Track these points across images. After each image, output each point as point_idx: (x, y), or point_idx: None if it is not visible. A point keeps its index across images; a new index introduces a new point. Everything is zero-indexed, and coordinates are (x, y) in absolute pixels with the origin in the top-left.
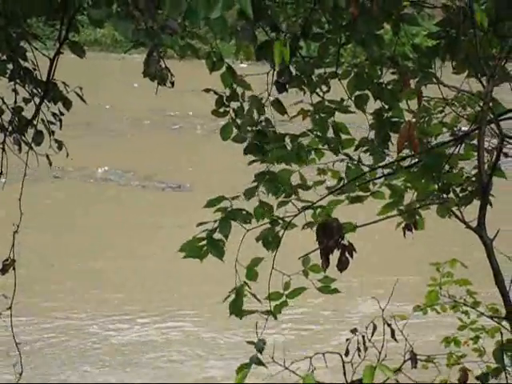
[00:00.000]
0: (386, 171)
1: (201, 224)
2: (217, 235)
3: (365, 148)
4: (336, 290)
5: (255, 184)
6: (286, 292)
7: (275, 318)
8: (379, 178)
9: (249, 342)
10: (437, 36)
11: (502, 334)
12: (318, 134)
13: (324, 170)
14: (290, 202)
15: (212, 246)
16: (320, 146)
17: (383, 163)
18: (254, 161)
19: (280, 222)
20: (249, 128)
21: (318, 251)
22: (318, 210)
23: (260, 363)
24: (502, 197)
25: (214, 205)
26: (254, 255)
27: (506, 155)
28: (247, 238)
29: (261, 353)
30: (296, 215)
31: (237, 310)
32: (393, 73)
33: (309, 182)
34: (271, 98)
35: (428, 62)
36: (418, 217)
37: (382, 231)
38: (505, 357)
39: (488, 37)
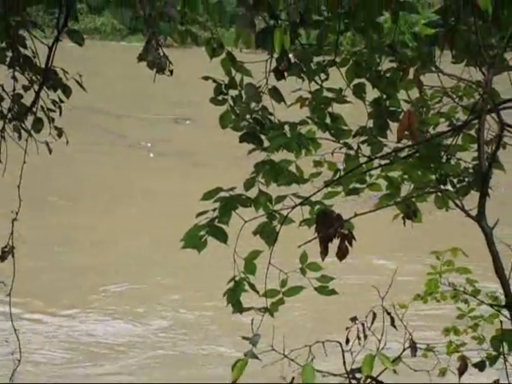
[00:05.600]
0: (383, 162)
1: (200, 214)
2: (216, 223)
3: (363, 138)
4: (334, 292)
5: (254, 175)
6: (283, 289)
7: (272, 316)
8: (376, 167)
9: (244, 338)
10: (436, 24)
11: (501, 322)
12: (317, 121)
13: (320, 162)
14: (288, 196)
15: (215, 230)
16: (317, 136)
17: (380, 154)
18: (253, 149)
19: (277, 215)
20: (246, 117)
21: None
22: (317, 206)
23: (255, 357)
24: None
25: (211, 197)
26: (253, 248)
27: (504, 146)
28: (245, 229)
29: (255, 347)
30: (292, 209)
31: (235, 300)
32: (391, 61)
33: (305, 176)
34: (269, 86)
35: (427, 51)
36: (415, 208)
37: (382, 222)
38: (504, 344)
39: (487, 25)
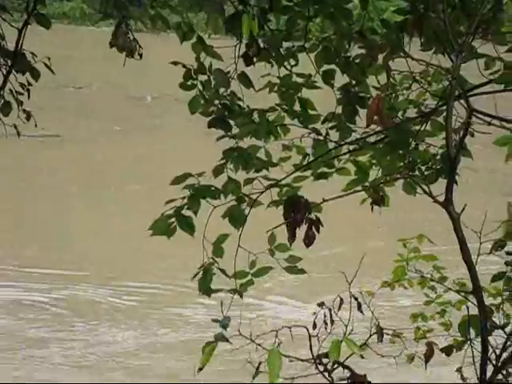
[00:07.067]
0: (352, 147)
1: (169, 201)
2: (185, 212)
3: (332, 124)
4: (302, 271)
5: (223, 161)
6: (252, 271)
7: (241, 297)
8: (345, 153)
9: (214, 320)
10: (405, 11)
11: (468, 308)
12: (286, 108)
13: (289, 147)
14: (257, 179)
15: (182, 221)
16: (286, 122)
17: (349, 139)
18: (222, 136)
19: (246, 199)
20: (215, 102)
21: (286, 227)
22: (285, 188)
23: (225, 340)
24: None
25: (180, 182)
26: (221, 232)
27: (473, 134)
28: (213, 215)
29: (225, 330)
30: (262, 193)
31: (205, 287)
32: (360, 47)
33: (274, 159)
34: (238, 72)
35: (396, 38)
36: (383, 194)
37: (349, 206)
38: (471, 330)
39: (456, 13)
